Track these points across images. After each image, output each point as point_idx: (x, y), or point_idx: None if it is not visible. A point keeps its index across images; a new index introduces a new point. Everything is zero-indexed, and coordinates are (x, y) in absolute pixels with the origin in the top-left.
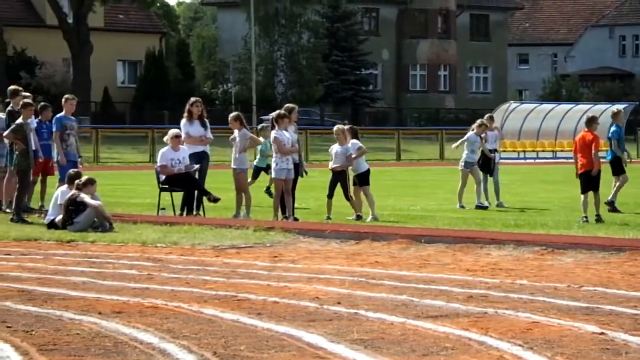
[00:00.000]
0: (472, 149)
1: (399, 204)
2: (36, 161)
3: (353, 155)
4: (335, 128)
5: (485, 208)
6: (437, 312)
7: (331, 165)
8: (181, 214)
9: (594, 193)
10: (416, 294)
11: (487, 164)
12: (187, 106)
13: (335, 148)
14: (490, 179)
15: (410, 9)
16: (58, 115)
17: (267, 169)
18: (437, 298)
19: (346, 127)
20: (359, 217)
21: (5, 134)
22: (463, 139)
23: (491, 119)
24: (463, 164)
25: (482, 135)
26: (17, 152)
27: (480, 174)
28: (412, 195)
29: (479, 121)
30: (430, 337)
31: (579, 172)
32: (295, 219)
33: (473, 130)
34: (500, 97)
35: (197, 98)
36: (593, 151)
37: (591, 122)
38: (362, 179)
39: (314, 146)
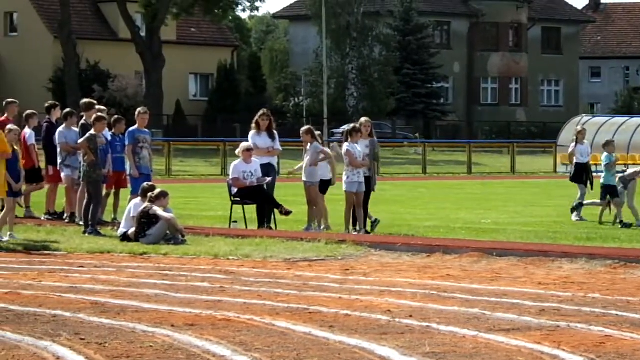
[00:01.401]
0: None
1: (470, 217)
2: (108, 174)
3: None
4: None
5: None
6: (509, 325)
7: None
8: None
9: None
10: (488, 307)
11: (581, 175)
12: (256, 118)
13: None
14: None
15: (482, 22)
16: (131, 129)
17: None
18: (509, 311)
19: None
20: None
21: (79, 141)
22: (571, 151)
23: (582, 133)
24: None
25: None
26: (85, 164)
27: (585, 188)
28: (483, 208)
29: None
30: (502, 350)
31: None
32: (367, 232)
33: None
34: (572, 111)
35: (265, 110)
36: None
37: None
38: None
39: (386, 160)
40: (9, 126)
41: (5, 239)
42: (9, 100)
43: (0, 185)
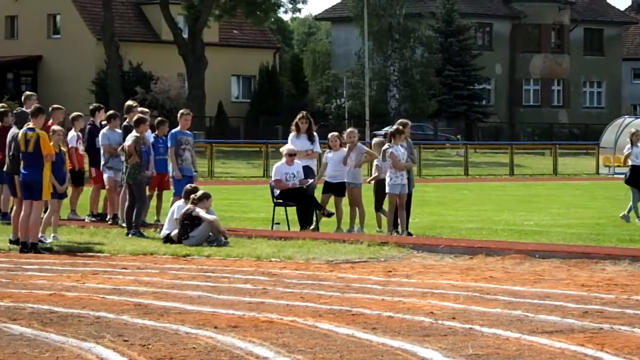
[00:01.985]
0: None
1: (513, 218)
2: (151, 176)
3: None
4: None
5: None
6: (552, 327)
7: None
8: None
9: None
10: (531, 309)
11: (637, 178)
12: (295, 120)
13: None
14: None
15: (524, 23)
16: (173, 131)
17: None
18: (552, 313)
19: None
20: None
21: (126, 144)
22: (627, 153)
23: (636, 135)
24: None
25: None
26: (129, 165)
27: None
28: (526, 210)
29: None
30: (545, 352)
31: None
32: (409, 234)
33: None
34: (614, 112)
35: (305, 113)
36: None
37: None
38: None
39: (428, 162)
40: (54, 127)
41: (49, 240)
42: (55, 106)
43: (45, 188)
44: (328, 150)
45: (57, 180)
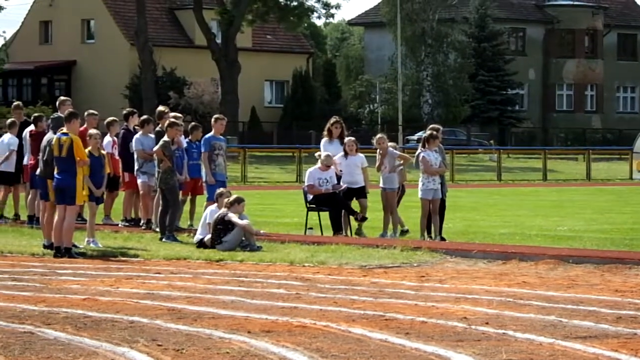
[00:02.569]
0: None
1: (546, 224)
2: (184, 181)
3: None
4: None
5: None
6: (586, 332)
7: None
8: (339, 233)
9: None
10: (564, 314)
11: None
12: (328, 126)
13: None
14: None
15: (557, 28)
16: (207, 136)
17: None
18: (586, 319)
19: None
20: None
21: (154, 149)
22: None
23: None
24: None
25: None
26: (161, 171)
27: None
28: (559, 215)
29: None
30: (579, 358)
31: None
32: (442, 239)
33: None
34: None
35: (337, 118)
36: None
37: None
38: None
39: (461, 167)
40: (91, 131)
41: (81, 246)
42: (90, 111)
43: (79, 193)
44: (343, 155)
45: (95, 183)
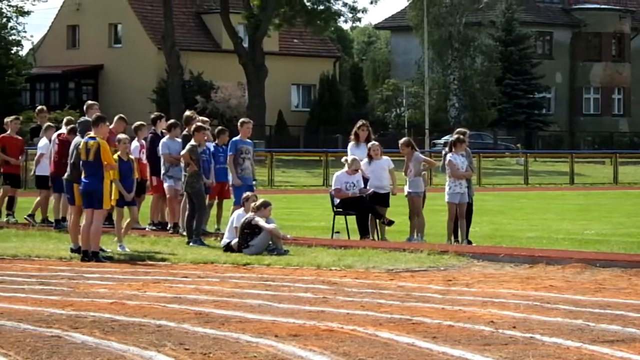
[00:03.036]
0: None
1: (573, 227)
2: (211, 185)
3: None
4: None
5: None
6: (613, 336)
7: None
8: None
9: None
10: (592, 318)
11: None
12: (354, 129)
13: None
14: None
15: (584, 32)
16: (233, 139)
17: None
18: (614, 323)
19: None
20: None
21: (181, 153)
22: None
23: None
24: None
25: None
26: (188, 175)
27: None
28: (586, 219)
29: None
30: None
31: None
32: (469, 243)
33: None
34: None
35: (364, 121)
36: None
37: None
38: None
39: (488, 170)
40: (119, 136)
41: (109, 250)
42: (120, 116)
43: (106, 197)
44: (368, 160)
45: (124, 188)
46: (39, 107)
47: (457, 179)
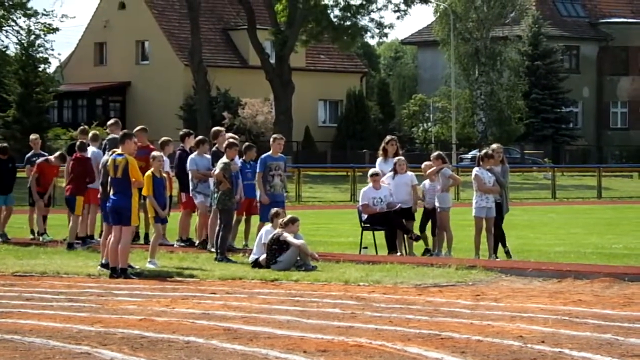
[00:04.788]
0: None
1: (601, 241)
2: (239, 201)
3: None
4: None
5: None
6: None
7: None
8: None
9: None
10: (621, 332)
11: None
12: (383, 144)
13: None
14: None
15: (611, 46)
16: (263, 156)
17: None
18: None
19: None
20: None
21: (215, 172)
22: None
23: None
24: None
25: None
26: (220, 192)
27: None
28: (614, 233)
29: None
30: None
31: None
32: (508, 254)
33: None
34: None
35: (393, 136)
36: None
37: None
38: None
39: (515, 185)
40: (154, 153)
41: (137, 266)
42: (140, 127)
43: (134, 214)
44: (393, 174)
45: (158, 205)
46: (81, 128)
47: (484, 194)
